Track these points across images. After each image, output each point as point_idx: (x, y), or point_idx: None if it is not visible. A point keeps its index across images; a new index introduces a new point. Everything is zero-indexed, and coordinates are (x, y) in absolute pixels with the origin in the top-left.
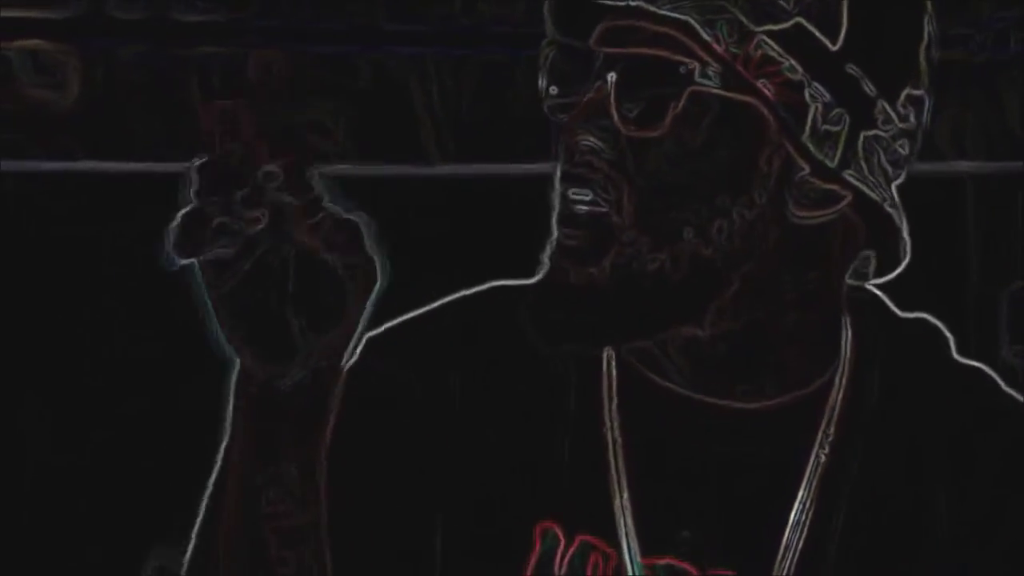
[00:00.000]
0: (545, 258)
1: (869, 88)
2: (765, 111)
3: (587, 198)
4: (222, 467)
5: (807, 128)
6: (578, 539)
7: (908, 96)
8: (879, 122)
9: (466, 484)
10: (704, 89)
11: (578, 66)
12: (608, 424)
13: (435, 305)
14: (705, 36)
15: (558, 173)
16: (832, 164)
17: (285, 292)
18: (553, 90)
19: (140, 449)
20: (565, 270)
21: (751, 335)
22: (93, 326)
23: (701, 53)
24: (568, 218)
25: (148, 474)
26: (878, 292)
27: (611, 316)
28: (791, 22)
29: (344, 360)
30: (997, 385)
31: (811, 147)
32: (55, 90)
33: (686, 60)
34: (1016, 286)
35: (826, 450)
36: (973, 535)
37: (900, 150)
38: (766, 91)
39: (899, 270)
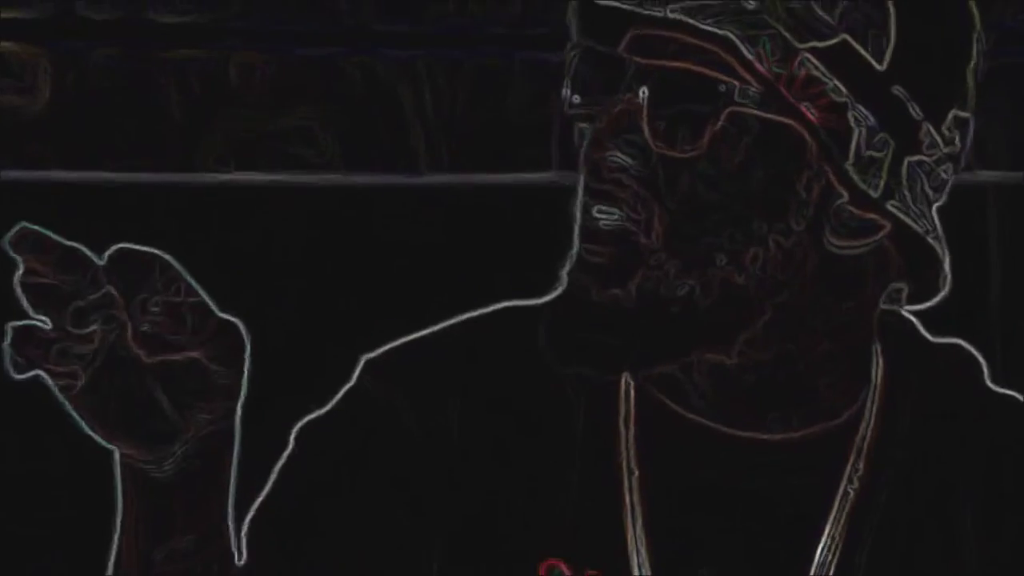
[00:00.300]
0: (564, 273)
1: (915, 111)
2: (806, 135)
3: (614, 216)
4: (118, 544)
5: (850, 154)
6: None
7: (955, 118)
8: (924, 146)
9: (467, 516)
10: (744, 110)
11: (605, 74)
12: (624, 454)
13: (439, 327)
14: (747, 54)
15: (582, 186)
16: (875, 193)
17: (149, 379)
18: (576, 98)
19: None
20: (587, 288)
21: (781, 365)
22: None
23: (742, 71)
24: (592, 233)
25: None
26: (911, 317)
27: (634, 340)
28: (837, 39)
29: (234, 418)
30: None
31: (854, 174)
32: (24, 95)
33: (726, 78)
34: None
35: (855, 485)
36: (1006, 572)
37: (943, 174)
38: (809, 115)
39: (935, 301)
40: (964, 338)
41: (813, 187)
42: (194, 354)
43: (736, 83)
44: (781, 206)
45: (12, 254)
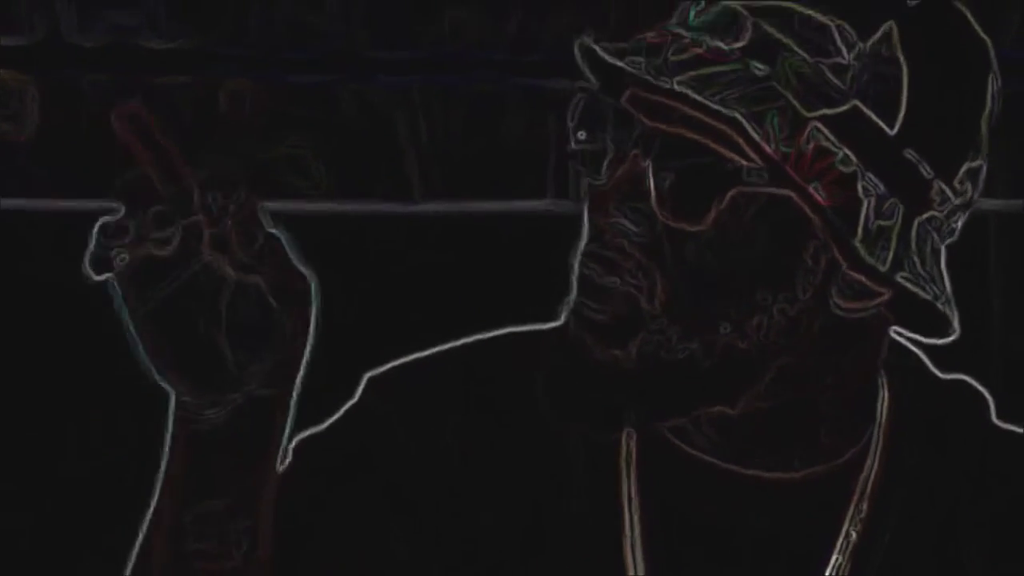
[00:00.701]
0: (564, 318)
1: (926, 170)
2: (809, 211)
3: (617, 284)
4: (158, 502)
5: (859, 230)
6: None
7: (967, 170)
8: (935, 204)
9: (465, 539)
10: (750, 188)
11: (612, 120)
12: (625, 488)
13: (444, 347)
14: (755, 135)
15: (584, 243)
16: (884, 267)
17: (215, 317)
18: (581, 135)
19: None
20: (587, 345)
21: (785, 413)
22: (49, 368)
23: (749, 150)
24: (595, 290)
25: (93, 508)
26: (918, 351)
27: (634, 399)
28: (848, 105)
29: (292, 389)
30: None
31: (862, 251)
32: (11, 122)
33: (733, 156)
34: None
35: (857, 527)
36: None
37: (954, 224)
38: (817, 196)
39: (944, 341)
40: (964, 365)
41: (821, 256)
42: (258, 279)
43: (743, 162)
44: (787, 275)
45: (123, 130)
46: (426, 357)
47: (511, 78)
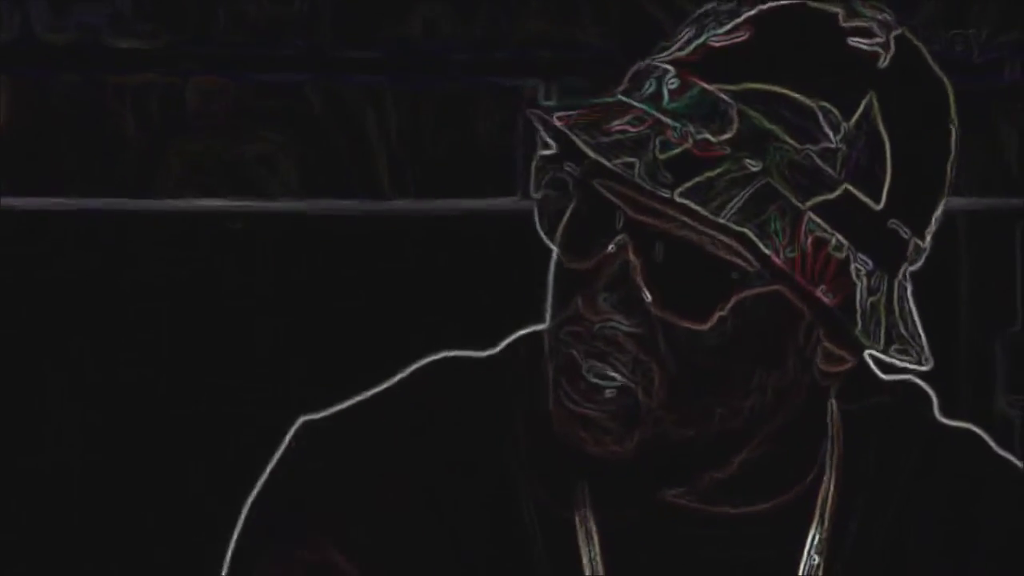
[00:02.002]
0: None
1: (904, 232)
2: (794, 300)
3: (615, 382)
4: None
5: (858, 319)
6: None
7: (936, 218)
8: (912, 259)
9: None
10: (753, 292)
11: (579, 194)
12: (582, 527)
13: (380, 390)
14: (765, 250)
15: (559, 322)
16: (879, 348)
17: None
18: (549, 193)
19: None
20: (580, 441)
21: (755, 453)
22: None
23: (755, 262)
24: (587, 385)
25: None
26: (865, 358)
27: (632, 484)
28: (840, 190)
29: None
30: (988, 448)
31: (863, 340)
32: None
33: (739, 263)
34: (1011, 331)
35: (821, 549)
36: None
37: (918, 259)
38: (825, 299)
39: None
40: (935, 363)
41: (811, 334)
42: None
43: (751, 269)
44: (781, 357)
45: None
46: (362, 403)
47: (481, 77)
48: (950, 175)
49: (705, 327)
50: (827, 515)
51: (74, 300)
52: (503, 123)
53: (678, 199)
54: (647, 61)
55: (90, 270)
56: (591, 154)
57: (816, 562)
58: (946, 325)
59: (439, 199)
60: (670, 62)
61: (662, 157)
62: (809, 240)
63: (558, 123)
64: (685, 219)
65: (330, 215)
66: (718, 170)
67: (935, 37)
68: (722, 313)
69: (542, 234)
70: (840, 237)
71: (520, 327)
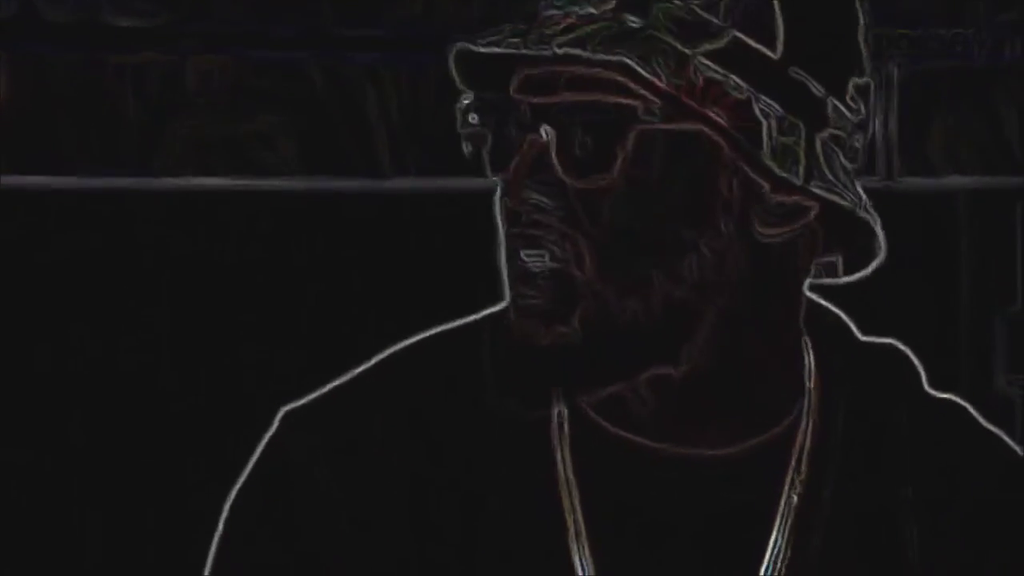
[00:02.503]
0: (508, 312)
1: (816, 89)
2: (717, 137)
3: (543, 258)
4: None
5: (764, 146)
6: None
7: (855, 86)
8: (832, 121)
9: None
10: (650, 127)
11: (497, 116)
12: (563, 478)
13: (366, 368)
14: (644, 73)
15: (503, 236)
16: (798, 180)
17: None
18: (476, 128)
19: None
20: (531, 333)
21: (723, 373)
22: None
23: (642, 91)
24: (525, 277)
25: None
26: (840, 314)
27: (587, 371)
28: (727, 38)
29: None
30: (973, 419)
31: (773, 165)
32: None
33: (626, 100)
34: (1011, 311)
35: (797, 490)
36: (951, 570)
37: (856, 144)
38: (717, 119)
39: (872, 267)
40: (935, 342)
41: (734, 185)
42: None
43: (638, 103)
44: (707, 210)
45: None
46: (346, 384)
47: None
48: (863, 48)
49: (614, 179)
50: (804, 460)
51: (72, 279)
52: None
53: (558, 51)
54: None
55: (89, 249)
56: (488, 51)
57: (794, 502)
58: (946, 305)
59: (439, 178)
60: None
61: (547, 31)
62: (700, 78)
63: (471, 47)
64: (573, 70)
65: (330, 194)
66: (598, 25)
67: (935, 36)
68: (625, 155)
69: (489, 173)
70: (736, 79)
71: None
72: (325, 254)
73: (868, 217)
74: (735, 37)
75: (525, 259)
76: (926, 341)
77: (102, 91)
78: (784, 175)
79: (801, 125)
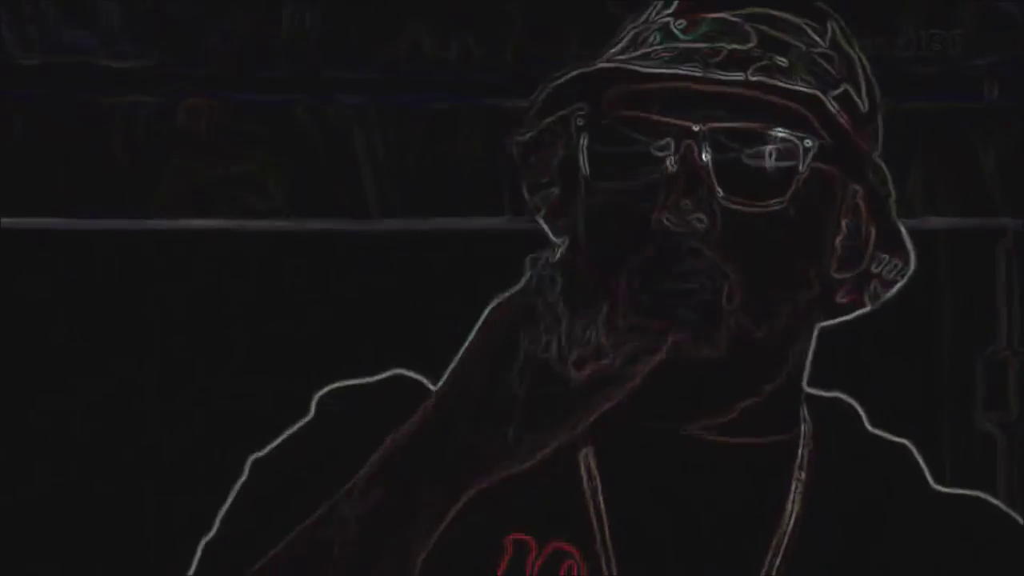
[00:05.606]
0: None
1: (876, 143)
2: (853, 182)
3: (696, 289)
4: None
5: (886, 193)
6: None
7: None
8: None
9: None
10: (822, 165)
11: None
12: (583, 464)
13: (318, 414)
14: (831, 107)
15: (647, 255)
16: (898, 226)
17: None
18: (597, 150)
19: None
20: (683, 347)
21: (737, 359)
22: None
23: (819, 126)
24: (674, 296)
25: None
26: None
27: (730, 389)
28: (841, 88)
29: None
30: (996, 510)
31: (892, 209)
32: None
33: (806, 135)
34: (991, 350)
35: (800, 503)
36: None
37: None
38: (874, 166)
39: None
40: (916, 381)
41: (844, 227)
42: None
43: (819, 139)
44: (827, 249)
45: None
46: (296, 435)
47: (466, 97)
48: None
49: (781, 205)
50: (804, 464)
51: (62, 319)
52: (490, 143)
53: (752, 78)
54: (636, 26)
55: (79, 288)
56: (651, 71)
57: (795, 508)
58: (928, 343)
59: (426, 218)
60: (664, 16)
61: (713, 61)
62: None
63: (604, 64)
64: (754, 94)
65: (317, 234)
66: (763, 63)
67: (913, 37)
68: (799, 184)
69: (586, 166)
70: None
71: None
72: (312, 293)
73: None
74: (846, 89)
75: (676, 285)
76: (907, 380)
77: (92, 132)
78: (895, 222)
79: (887, 174)
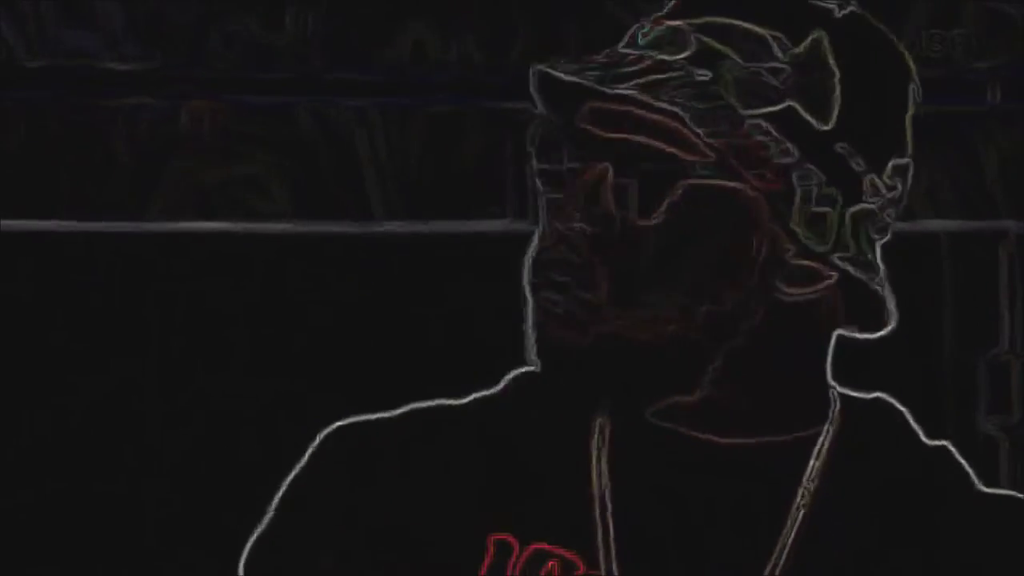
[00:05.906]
0: (529, 329)
1: (858, 164)
2: (758, 197)
3: (567, 279)
4: None
5: (796, 213)
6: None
7: (895, 166)
8: (867, 196)
9: None
10: (699, 181)
11: (567, 140)
12: (594, 458)
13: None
14: (697, 129)
15: (538, 254)
16: (825, 248)
17: None
18: (542, 159)
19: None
20: (554, 336)
21: (741, 398)
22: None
23: (696, 142)
24: (549, 286)
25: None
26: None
27: (606, 383)
28: (783, 104)
29: None
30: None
31: (800, 232)
32: None
33: (681, 152)
34: (994, 353)
35: (807, 505)
36: None
37: (887, 219)
38: (760, 181)
39: (882, 333)
40: (919, 384)
41: (764, 245)
42: None
43: (695, 157)
44: (734, 265)
45: None
46: (386, 417)
47: (469, 99)
48: (910, 132)
49: (656, 220)
50: (816, 469)
51: (64, 321)
52: (493, 145)
53: (624, 92)
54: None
55: (78, 292)
56: (565, 78)
57: (802, 512)
58: (930, 346)
59: (429, 221)
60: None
61: (622, 71)
62: (750, 141)
63: (549, 70)
64: (638, 113)
65: (320, 237)
66: (668, 75)
67: (915, 40)
68: (673, 199)
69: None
70: (788, 144)
71: (510, 348)
72: (314, 295)
73: (879, 290)
74: (790, 106)
75: (553, 277)
76: (909, 383)
77: (95, 135)
78: (810, 243)
79: (838, 197)
